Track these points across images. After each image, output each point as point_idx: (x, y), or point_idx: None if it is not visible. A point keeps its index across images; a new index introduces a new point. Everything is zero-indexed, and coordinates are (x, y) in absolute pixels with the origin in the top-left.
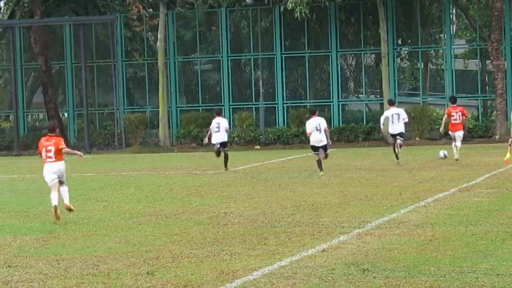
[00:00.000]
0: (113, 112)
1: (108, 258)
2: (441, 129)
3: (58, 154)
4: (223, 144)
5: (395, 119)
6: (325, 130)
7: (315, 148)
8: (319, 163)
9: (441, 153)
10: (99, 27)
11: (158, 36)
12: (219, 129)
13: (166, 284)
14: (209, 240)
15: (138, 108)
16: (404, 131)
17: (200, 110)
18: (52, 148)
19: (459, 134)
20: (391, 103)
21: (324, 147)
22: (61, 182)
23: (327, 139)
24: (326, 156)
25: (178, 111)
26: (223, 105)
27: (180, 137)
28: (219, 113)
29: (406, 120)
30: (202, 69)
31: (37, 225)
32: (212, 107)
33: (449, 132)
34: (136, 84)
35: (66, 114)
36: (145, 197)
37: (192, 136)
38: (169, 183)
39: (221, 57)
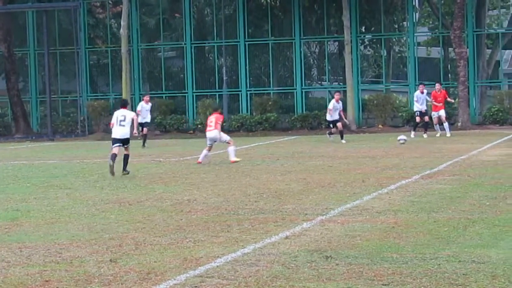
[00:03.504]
0: (76, 99)
1: (71, 246)
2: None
3: (216, 125)
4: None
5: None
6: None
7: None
8: (329, 134)
9: (401, 138)
10: (62, 14)
11: (122, 23)
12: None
13: (129, 272)
14: (172, 228)
15: (101, 95)
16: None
17: (164, 97)
18: (213, 120)
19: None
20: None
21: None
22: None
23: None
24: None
25: (141, 98)
26: (187, 93)
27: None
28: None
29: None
30: (166, 56)
31: None
32: (175, 94)
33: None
34: (100, 71)
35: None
36: (108, 185)
37: (156, 123)
38: (132, 170)
39: (185, 44)
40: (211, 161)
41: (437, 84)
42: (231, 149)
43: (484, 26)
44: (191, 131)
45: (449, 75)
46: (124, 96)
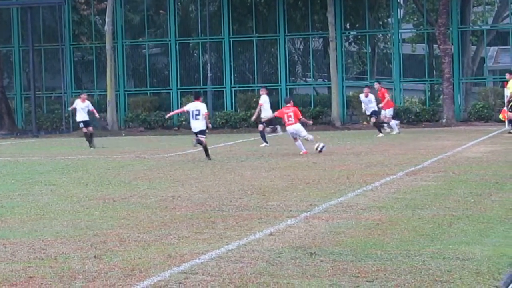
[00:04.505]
0: (60, 95)
1: (55, 242)
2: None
3: (296, 118)
4: None
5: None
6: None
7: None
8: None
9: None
10: (47, 11)
11: (106, 20)
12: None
13: (113, 268)
14: (156, 224)
15: (86, 92)
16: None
17: (148, 94)
18: (292, 114)
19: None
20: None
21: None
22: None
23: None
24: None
25: (126, 94)
26: (171, 89)
27: (128, 121)
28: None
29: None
30: (150, 53)
31: None
32: (160, 91)
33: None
34: (84, 67)
35: None
36: (92, 181)
37: (140, 120)
38: (117, 166)
39: (169, 41)
40: (196, 158)
41: (375, 84)
42: (310, 140)
43: (469, 22)
44: (176, 128)
45: (434, 71)
46: (109, 93)
